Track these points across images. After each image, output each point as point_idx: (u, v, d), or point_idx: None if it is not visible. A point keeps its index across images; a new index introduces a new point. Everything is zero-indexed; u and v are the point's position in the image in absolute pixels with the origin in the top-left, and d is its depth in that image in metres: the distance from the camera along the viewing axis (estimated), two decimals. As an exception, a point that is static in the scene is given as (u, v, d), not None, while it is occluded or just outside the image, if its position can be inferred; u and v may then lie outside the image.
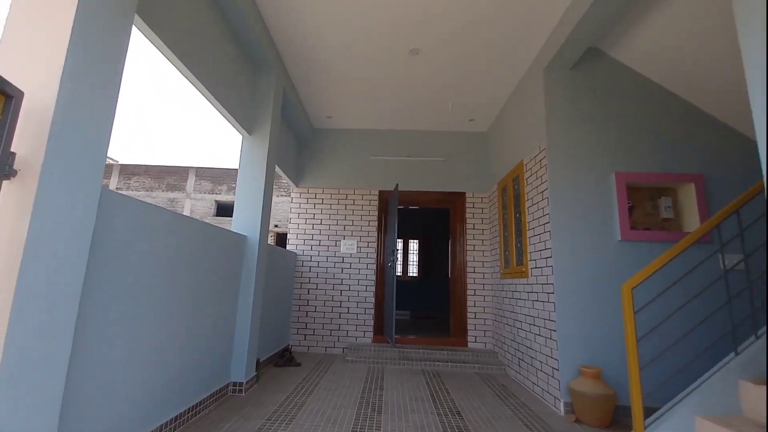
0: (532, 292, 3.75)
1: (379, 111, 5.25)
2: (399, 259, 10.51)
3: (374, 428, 2.61)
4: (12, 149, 1.29)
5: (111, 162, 11.80)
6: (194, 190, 12.16)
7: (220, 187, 12.26)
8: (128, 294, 1.93)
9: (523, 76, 4.24)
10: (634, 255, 3.22)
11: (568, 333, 3.14)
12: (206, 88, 2.84)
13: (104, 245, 1.74)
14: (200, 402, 2.73)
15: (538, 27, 3.50)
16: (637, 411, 2.17)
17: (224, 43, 3.16)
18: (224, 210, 12.21)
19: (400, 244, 10.65)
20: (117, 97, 1.67)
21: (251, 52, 3.60)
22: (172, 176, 12.27)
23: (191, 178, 12.22)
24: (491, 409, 3.09)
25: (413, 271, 10.68)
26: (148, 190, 12.17)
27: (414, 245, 10.79)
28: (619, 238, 3.26)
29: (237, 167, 12.66)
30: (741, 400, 2.15)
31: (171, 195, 12.09)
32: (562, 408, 3.03)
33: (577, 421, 2.86)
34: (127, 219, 1.91)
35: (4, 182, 1.28)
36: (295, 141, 5.59)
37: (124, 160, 13.34)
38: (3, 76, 1.29)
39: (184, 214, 12.16)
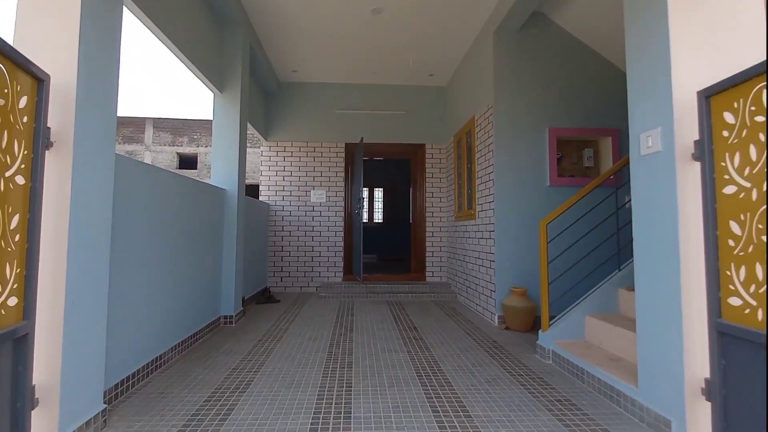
0: (478, 231, 4.41)
1: (344, 65, 5.42)
2: (365, 206, 11.04)
3: (348, 341, 3.24)
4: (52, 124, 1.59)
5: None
6: (153, 142, 11.76)
7: (180, 139, 11.91)
8: (140, 243, 2.31)
9: (476, 37, 4.57)
10: (560, 198, 3.88)
11: (504, 262, 3.84)
12: (180, 50, 3.01)
13: (120, 202, 2.08)
14: (199, 331, 3.23)
15: (488, -10, 3.79)
16: (544, 314, 2.90)
17: (193, 2, 3.25)
18: (187, 162, 12.00)
19: (366, 193, 11.12)
20: (118, 69, 1.93)
21: (219, 9, 3.68)
22: (127, 127, 11.70)
23: (149, 130, 11.73)
24: (441, 324, 3.83)
25: (379, 217, 11.30)
26: (102, 142, 11.65)
27: (379, 193, 11.31)
28: (548, 184, 3.89)
29: (197, 117, 12.28)
30: (619, 303, 2.92)
31: (129, 147, 11.63)
32: (496, 320, 3.80)
33: (507, 328, 3.65)
34: (134, 178, 2.23)
35: (46, 152, 1.59)
36: (262, 95, 5.69)
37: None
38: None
39: (145, 166, 11.87)
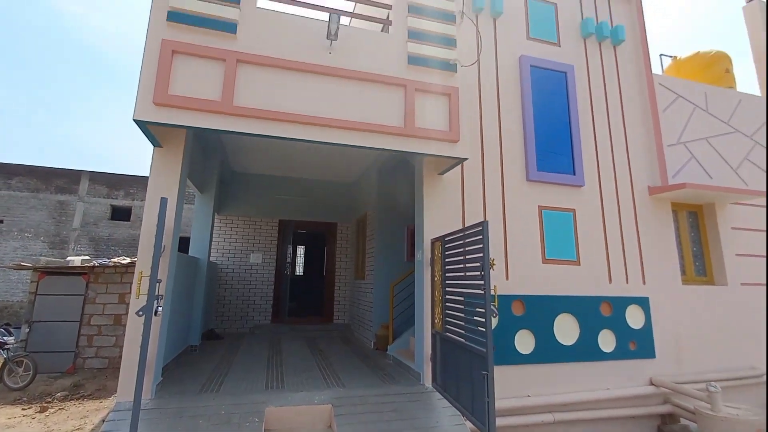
0: (366, 287, 6.88)
1: (282, 165, 7.79)
2: (289, 262, 13.01)
3: (278, 357, 5.32)
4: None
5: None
6: (88, 194, 12.54)
7: (116, 192, 12.86)
8: (173, 295, 4.29)
9: (368, 166, 7.35)
10: (411, 268, 6.55)
11: (377, 308, 6.30)
12: (190, 180, 5.15)
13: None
14: (181, 352, 5.07)
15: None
16: (390, 336, 5.37)
17: (196, 146, 5.44)
18: (120, 214, 12.87)
19: (290, 249, 13.15)
20: (181, 216, 4.08)
21: (207, 147, 5.88)
22: (61, 179, 12.35)
23: (84, 182, 12.53)
24: (338, 348, 6.10)
25: (300, 270, 13.31)
26: (33, 192, 12.06)
27: (301, 250, 13.43)
28: (405, 260, 6.57)
29: (131, 173, 13.45)
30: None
31: (61, 198, 12.22)
32: (372, 344, 6.17)
33: (377, 348, 6.03)
34: (175, 260, 4.27)
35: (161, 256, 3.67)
36: (218, 181, 7.75)
37: (3, 159, 12.77)
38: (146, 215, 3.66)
39: (77, 217, 12.54)
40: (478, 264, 3.10)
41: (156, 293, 2.73)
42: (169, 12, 3.43)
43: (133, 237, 12.68)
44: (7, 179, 12.10)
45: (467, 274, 3.56)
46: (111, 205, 12.90)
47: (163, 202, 2.51)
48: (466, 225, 4.59)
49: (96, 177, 12.88)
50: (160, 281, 3.03)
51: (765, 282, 5.83)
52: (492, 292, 2.94)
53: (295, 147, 6.50)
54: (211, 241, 6.07)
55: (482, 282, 2.97)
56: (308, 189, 8.48)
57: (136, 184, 13.29)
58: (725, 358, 5.34)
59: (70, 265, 7.95)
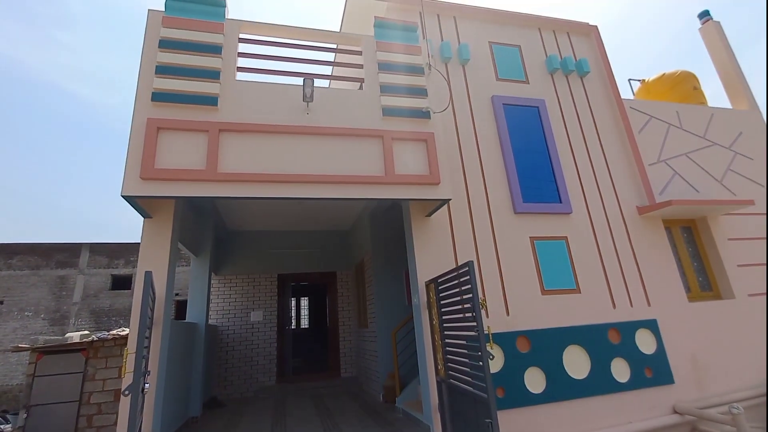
0: (370, 336, 6.72)
1: (277, 220, 7.90)
2: (293, 314, 12.78)
3: (284, 427, 5.10)
4: (155, 315, 3.67)
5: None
6: (88, 266, 12.60)
7: (117, 262, 12.92)
8: (168, 367, 4.19)
9: (359, 212, 7.44)
10: (411, 313, 6.43)
11: (383, 357, 6.12)
12: (183, 245, 5.20)
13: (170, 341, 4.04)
14: (181, 426, 4.86)
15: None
16: (397, 387, 5.17)
17: (190, 212, 5.55)
18: (120, 283, 12.84)
19: (294, 302, 12.96)
20: (173, 287, 4.08)
21: (200, 208, 6.00)
22: (62, 253, 12.49)
23: (84, 254, 12.64)
24: (346, 405, 5.85)
25: (305, 323, 13.04)
26: (33, 269, 12.13)
27: (305, 302, 13.24)
28: (406, 304, 6.47)
29: (131, 241, 13.57)
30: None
31: (61, 272, 12.27)
32: (381, 397, 5.92)
33: (386, 402, 5.79)
34: (172, 330, 4.21)
35: (154, 327, 3.64)
36: (214, 242, 7.81)
37: (3, 239, 12.95)
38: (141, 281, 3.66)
39: (77, 290, 12.50)
40: (469, 305, 3.07)
41: (144, 369, 2.68)
42: (153, 93, 3.65)
43: (134, 305, 12.55)
44: (8, 259, 12.20)
45: (465, 315, 3.50)
46: (111, 275, 12.88)
47: (147, 276, 2.55)
48: (459, 264, 4.58)
49: (96, 248, 12.99)
50: (146, 357, 2.98)
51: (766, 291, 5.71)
52: (486, 332, 2.89)
53: (285, 202, 6.64)
54: (209, 303, 6.01)
55: (475, 323, 2.92)
56: (304, 240, 8.53)
57: (137, 251, 13.38)
58: (747, 375, 5.10)
59: (68, 342, 7.84)
